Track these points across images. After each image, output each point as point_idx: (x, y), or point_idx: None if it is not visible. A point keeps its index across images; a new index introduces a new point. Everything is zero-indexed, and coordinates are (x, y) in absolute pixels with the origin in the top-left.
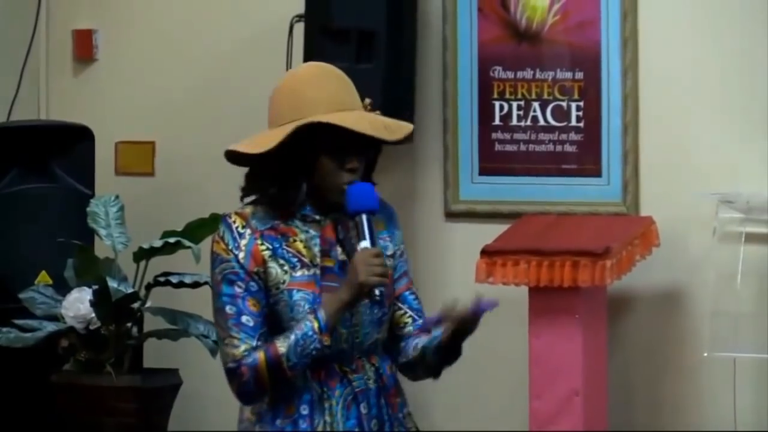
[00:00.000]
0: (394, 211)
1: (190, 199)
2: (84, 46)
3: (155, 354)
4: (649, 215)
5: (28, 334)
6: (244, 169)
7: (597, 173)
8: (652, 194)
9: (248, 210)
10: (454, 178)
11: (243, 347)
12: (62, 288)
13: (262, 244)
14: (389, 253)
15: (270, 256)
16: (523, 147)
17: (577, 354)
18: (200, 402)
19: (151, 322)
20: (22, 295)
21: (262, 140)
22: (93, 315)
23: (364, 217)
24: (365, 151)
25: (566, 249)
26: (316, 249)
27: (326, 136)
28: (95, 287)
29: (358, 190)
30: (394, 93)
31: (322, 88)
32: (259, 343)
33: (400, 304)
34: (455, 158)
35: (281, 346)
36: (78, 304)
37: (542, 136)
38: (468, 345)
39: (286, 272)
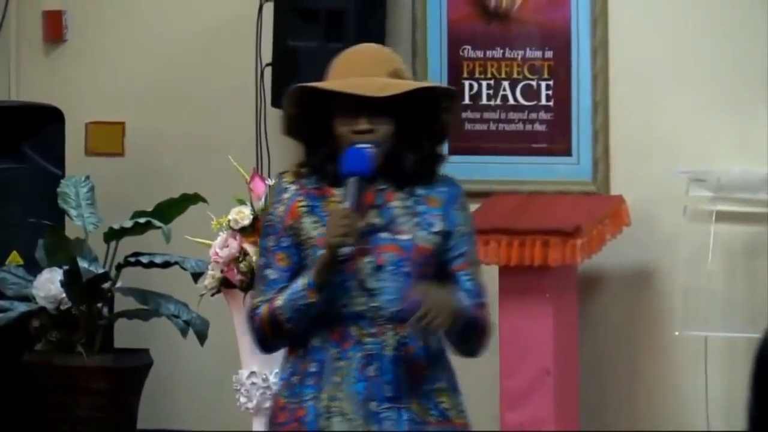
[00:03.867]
0: (460, 192)
1: (160, 180)
2: (54, 27)
3: (126, 334)
4: (619, 194)
5: (0, 315)
6: (214, 149)
7: (567, 152)
8: (623, 173)
9: (306, 170)
10: None
11: (260, 298)
12: (33, 268)
13: (302, 200)
14: (435, 230)
15: (305, 212)
16: (492, 126)
17: (548, 333)
18: (171, 381)
19: (121, 303)
20: None
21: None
22: (64, 295)
23: (353, 180)
24: (377, 113)
25: (536, 228)
26: None
27: (335, 101)
28: (66, 267)
29: (350, 154)
30: None
31: (346, 61)
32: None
33: (453, 284)
34: None
35: (279, 299)
36: (49, 285)
37: (512, 115)
38: None
39: (315, 229)
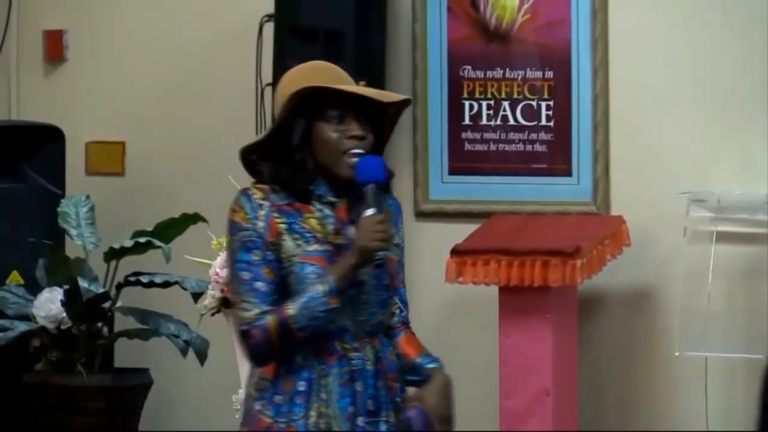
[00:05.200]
0: (399, 205)
1: (161, 199)
2: (54, 47)
3: (126, 354)
4: (619, 214)
5: (0, 334)
6: (214, 169)
7: (567, 173)
8: (623, 193)
9: (268, 187)
10: (424, 177)
11: (255, 311)
12: (33, 288)
13: (278, 217)
14: (396, 241)
15: (285, 230)
16: (493, 146)
17: (548, 353)
18: (171, 401)
19: (121, 322)
20: None
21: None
22: (64, 315)
23: (370, 187)
24: (366, 118)
25: (537, 248)
26: (330, 227)
27: (326, 108)
28: (66, 287)
29: (366, 161)
30: None
31: (316, 73)
32: (271, 308)
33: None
34: (425, 158)
35: (290, 308)
36: (49, 304)
37: (512, 135)
38: (438, 344)
39: (299, 246)
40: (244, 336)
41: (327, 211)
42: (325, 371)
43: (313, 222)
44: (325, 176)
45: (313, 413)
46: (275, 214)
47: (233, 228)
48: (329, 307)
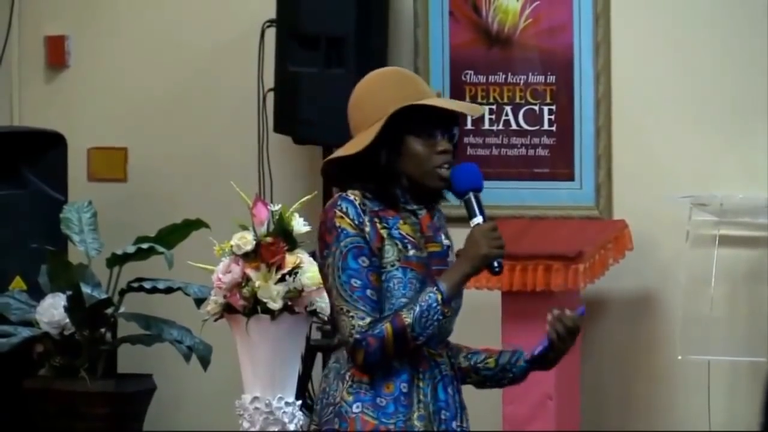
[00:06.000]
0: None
1: (163, 205)
2: (56, 53)
3: (129, 359)
4: (622, 219)
5: (3, 340)
6: (216, 174)
7: (570, 177)
8: (625, 198)
9: (359, 192)
10: None
11: (369, 319)
12: (37, 294)
13: (379, 222)
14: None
15: (387, 235)
16: (495, 151)
17: None
18: (174, 407)
19: (124, 328)
20: None
21: (357, 143)
22: (67, 320)
23: (472, 195)
24: (452, 133)
25: (539, 253)
26: (418, 235)
27: (416, 122)
28: (69, 293)
29: (463, 170)
30: None
31: (401, 84)
32: (382, 315)
33: None
34: None
35: (407, 317)
36: (52, 310)
37: (514, 140)
38: None
39: (400, 251)
40: (359, 344)
41: (413, 218)
42: (420, 375)
43: (408, 228)
44: (409, 185)
45: (415, 414)
46: (377, 219)
47: (340, 234)
48: (443, 315)
